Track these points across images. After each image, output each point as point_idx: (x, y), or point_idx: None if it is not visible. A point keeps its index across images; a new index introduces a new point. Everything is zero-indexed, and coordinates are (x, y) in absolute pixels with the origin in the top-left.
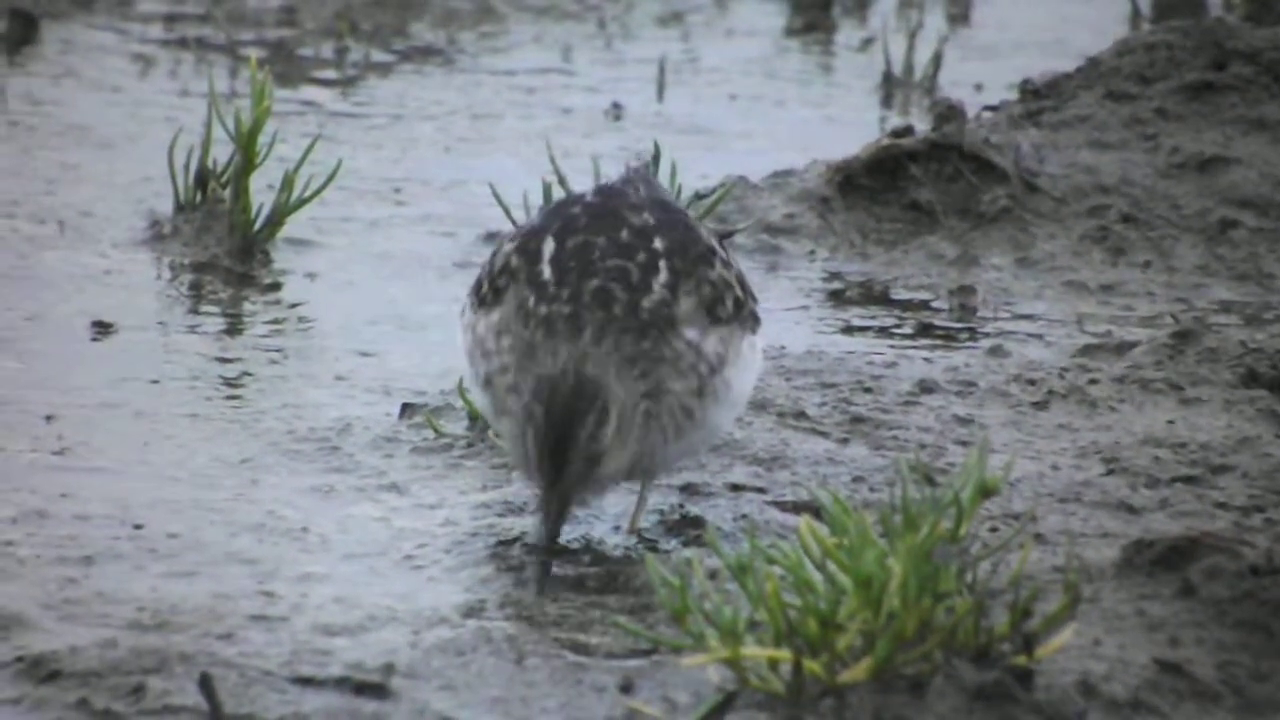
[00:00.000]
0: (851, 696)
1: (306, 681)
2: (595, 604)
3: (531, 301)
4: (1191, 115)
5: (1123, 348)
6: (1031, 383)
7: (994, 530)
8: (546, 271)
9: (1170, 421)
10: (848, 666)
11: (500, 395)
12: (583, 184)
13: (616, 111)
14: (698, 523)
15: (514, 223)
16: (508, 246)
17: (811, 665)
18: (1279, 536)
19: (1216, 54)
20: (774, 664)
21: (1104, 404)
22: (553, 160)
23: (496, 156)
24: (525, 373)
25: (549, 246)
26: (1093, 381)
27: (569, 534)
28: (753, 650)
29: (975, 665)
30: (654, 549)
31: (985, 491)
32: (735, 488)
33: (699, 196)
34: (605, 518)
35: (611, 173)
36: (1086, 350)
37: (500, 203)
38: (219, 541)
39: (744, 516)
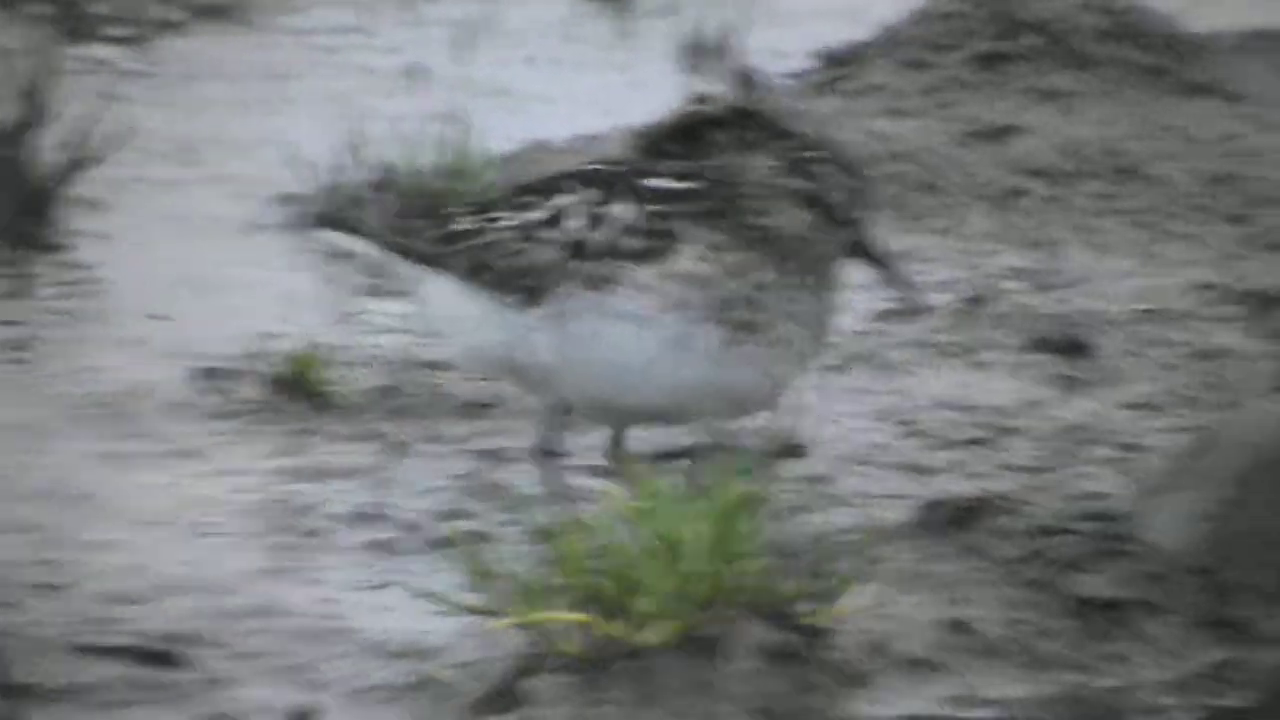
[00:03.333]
0: (651, 659)
1: (92, 650)
2: (398, 569)
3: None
4: (984, 84)
5: (918, 312)
6: (831, 346)
7: (793, 492)
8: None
9: (962, 385)
10: (648, 629)
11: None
12: (382, 146)
13: (416, 73)
14: (501, 488)
15: (313, 184)
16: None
17: (611, 628)
18: (1064, 497)
19: (1008, 25)
20: (575, 628)
21: (900, 368)
22: (352, 121)
23: (294, 117)
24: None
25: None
26: (891, 345)
27: (367, 503)
28: (553, 614)
29: (771, 626)
30: (459, 514)
31: (789, 454)
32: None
33: (500, 159)
34: (401, 485)
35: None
36: (884, 315)
37: (297, 164)
38: (1, 508)
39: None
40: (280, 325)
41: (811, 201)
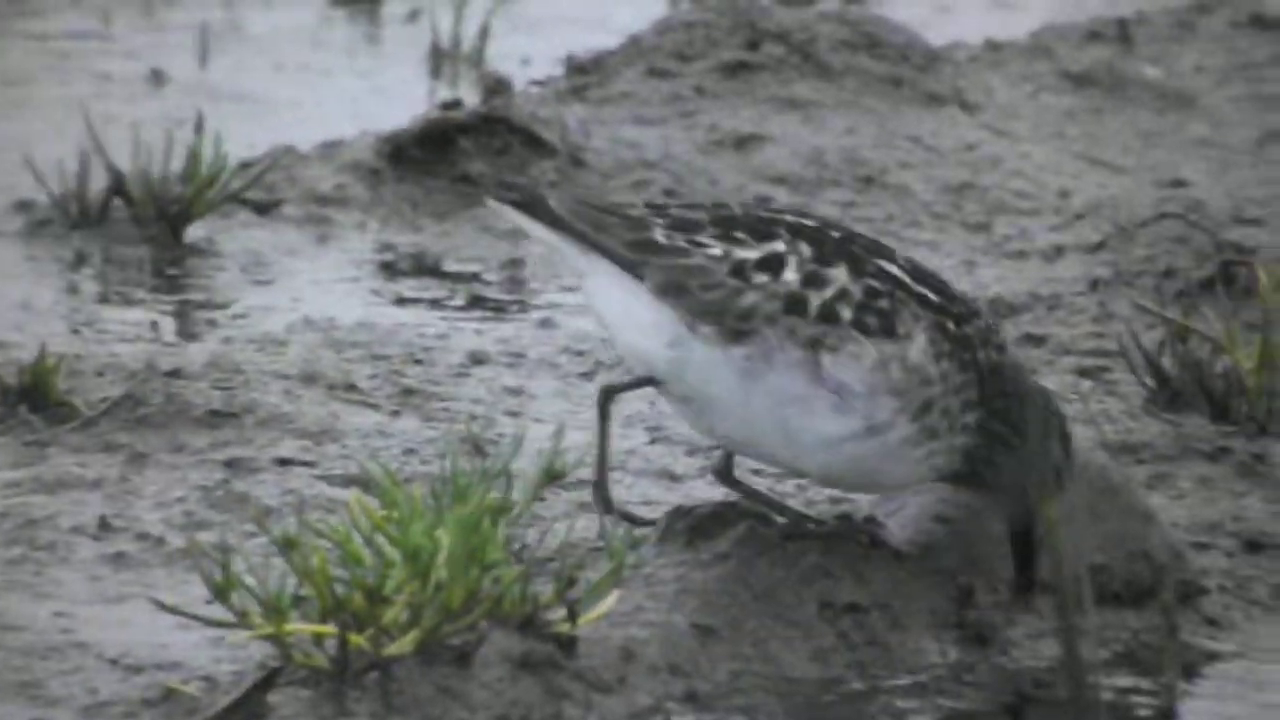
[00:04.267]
0: (398, 669)
1: None
2: (137, 581)
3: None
4: (728, 93)
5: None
6: (580, 354)
7: (542, 500)
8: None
9: None
10: (395, 640)
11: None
12: (123, 153)
13: (158, 78)
14: (245, 499)
15: (51, 191)
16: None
17: (357, 639)
18: (810, 501)
19: (751, 34)
20: (319, 639)
21: None
22: (90, 127)
23: (30, 123)
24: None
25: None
26: None
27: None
28: (297, 625)
29: (520, 634)
30: (201, 525)
31: (554, 475)
32: (283, 462)
33: (245, 166)
34: (141, 496)
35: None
36: None
37: (35, 171)
38: None
39: (292, 491)
40: (16, 334)
41: (1063, 439)
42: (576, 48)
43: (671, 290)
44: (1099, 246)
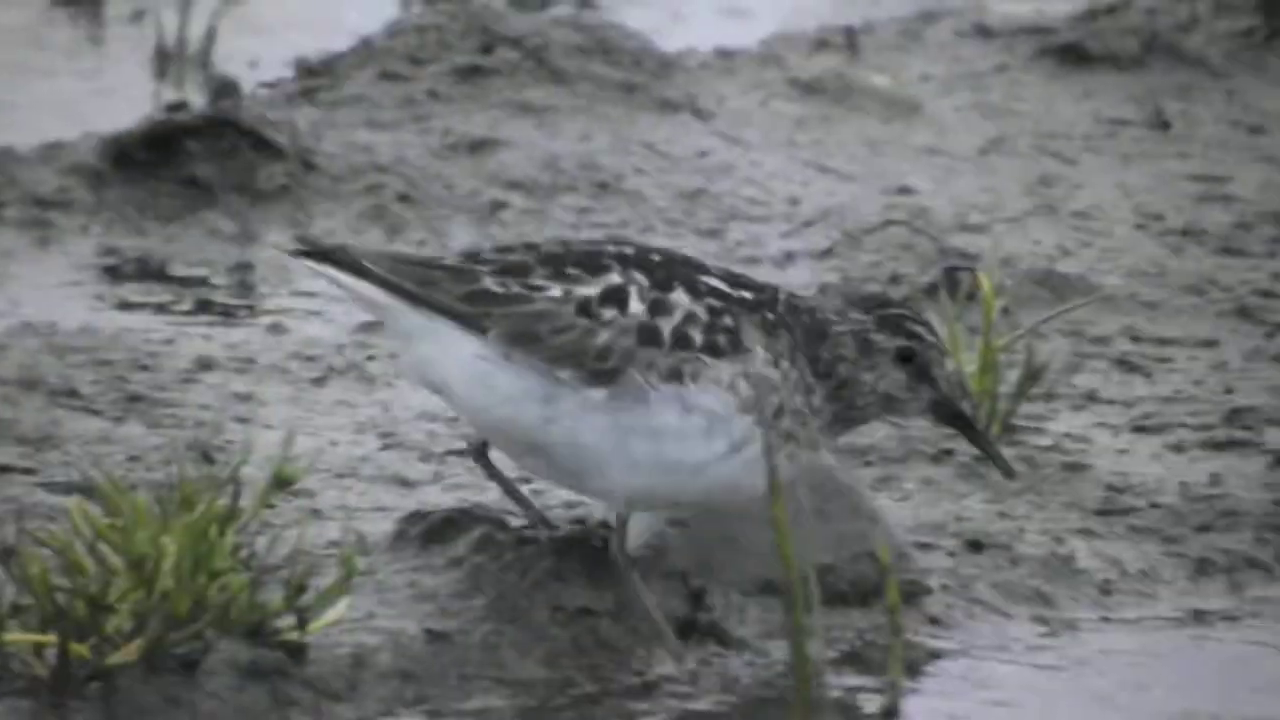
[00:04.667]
0: (121, 679)
1: None
2: None
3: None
4: (462, 97)
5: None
6: (311, 359)
7: (271, 507)
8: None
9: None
10: (119, 648)
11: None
12: None
13: None
14: None
15: None
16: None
17: (79, 648)
18: (546, 506)
19: (484, 38)
20: (40, 649)
21: (381, 380)
22: None
23: None
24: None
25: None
26: (370, 358)
27: None
28: (15, 635)
29: (248, 642)
30: None
31: (283, 482)
32: (2, 469)
33: None
34: None
35: None
36: (365, 327)
37: None
38: None
39: (11, 499)
40: None
41: (904, 359)
42: (306, 50)
43: (521, 340)
44: (827, 253)
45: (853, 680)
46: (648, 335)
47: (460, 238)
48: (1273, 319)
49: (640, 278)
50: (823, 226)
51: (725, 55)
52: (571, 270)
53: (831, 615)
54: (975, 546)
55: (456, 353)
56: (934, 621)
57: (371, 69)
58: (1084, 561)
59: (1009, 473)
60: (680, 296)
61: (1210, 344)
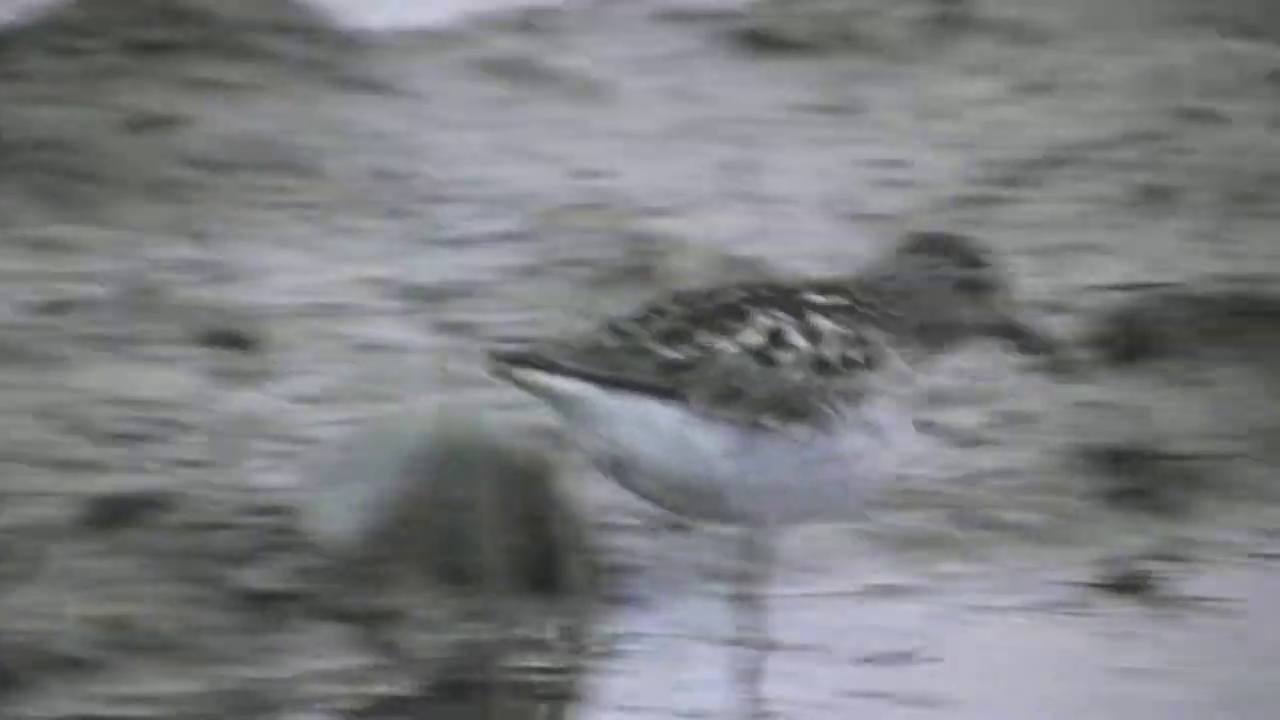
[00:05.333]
0: None
1: None
2: None
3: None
4: (142, 73)
5: (76, 305)
6: None
7: None
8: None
9: (125, 378)
10: None
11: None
12: None
13: None
14: None
15: None
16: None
17: None
18: (230, 491)
19: (165, 12)
20: None
21: (58, 362)
22: None
23: None
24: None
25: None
26: (47, 339)
27: None
28: None
29: None
30: None
31: None
32: None
33: None
34: None
35: None
36: (43, 308)
37: None
38: None
39: None
40: None
41: (972, 288)
42: None
43: (723, 399)
44: (518, 235)
45: (546, 663)
46: (822, 367)
47: (141, 216)
48: None
49: (779, 314)
50: (512, 209)
51: (415, 34)
52: (726, 322)
53: (525, 598)
54: (672, 525)
55: (657, 423)
56: (628, 602)
57: (46, 43)
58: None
59: (1067, 368)
60: (822, 322)
61: None
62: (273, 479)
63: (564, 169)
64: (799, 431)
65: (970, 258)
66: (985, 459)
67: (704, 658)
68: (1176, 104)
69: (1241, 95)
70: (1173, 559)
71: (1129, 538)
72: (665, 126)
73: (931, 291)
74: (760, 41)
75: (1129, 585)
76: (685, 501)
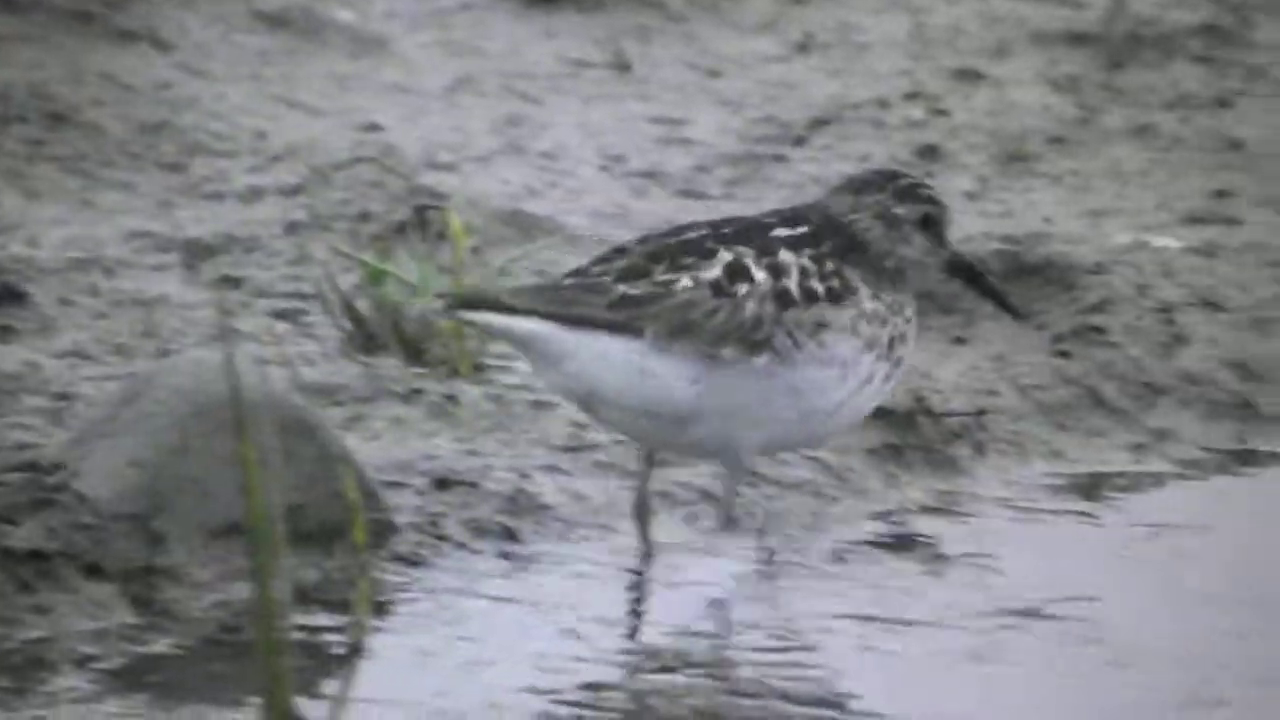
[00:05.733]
0: None
1: None
2: None
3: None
4: None
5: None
6: None
7: None
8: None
9: None
10: None
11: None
12: None
13: None
14: None
15: None
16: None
17: None
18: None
19: None
20: None
21: None
22: None
23: None
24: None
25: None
26: None
27: None
28: None
29: None
30: None
31: None
32: None
33: None
34: None
35: None
36: None
37: None
38: None
39: None
40: None
41: (926, 225)
42: None
43: (680, 332)
44: (296, 190)
45: (320, 620)
46: (782, 298)
47: None
48: None
49: (742, 249)
50: (291, 163)
51: None
52: (685, 259)
53: (298, 555)
54: (443, 484)
55: (615, 357)
56: (402, 559)
57: None
58: (549, 497)
59: (1021, 315)
60: (787, 255)
61: None
62: (36, 435)
63: (343, 123)
64: (758, 362)
65: (925, 196)
66: None
67: (480, 613)
68: (947, 64)
69: (1009, 56)
70: (941, 513)
71: (902, 493)
72: (444, 81)
73: (889, 230)
74: None
75: (901, 541)
76: (653, 432)
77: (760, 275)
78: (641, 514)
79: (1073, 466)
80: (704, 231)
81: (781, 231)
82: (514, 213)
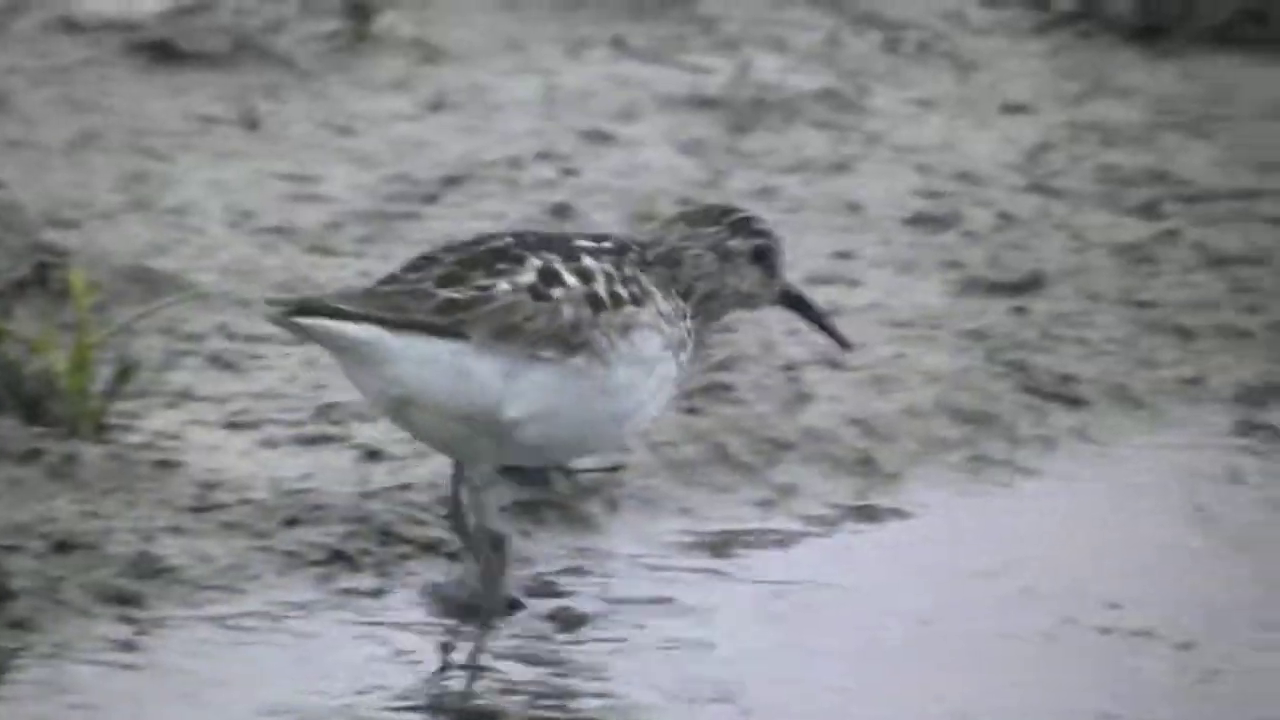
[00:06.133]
0: None
1: None
2: None
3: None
4: None
5: (846, 349)
6: None
7: None
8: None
9: None
10: None
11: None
12: None
13: None
14: None
15: None
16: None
17: None
18: None
19: None
20: None
21: None
22: None
23: None
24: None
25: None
26: None
27: None
28: None
29: None
30: None
31: None
32: None
33: None
34: None
35: None
36: None
37: None
38: None
39: None
40: None
41: (759, 257)
42: None
43: (503, 335)
44: None
45: None
46: (593, 301)
47: None
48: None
49: (549, 255)
50: None
51: None
52: (500, 265)
53: None
54: (62, 547)
55: (439, 359)
56: (19, 625)
57: None
58: (174, 559)
59: (847, 345)
60: (590, 262)
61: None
62: None
63: None
64: (576, 362)
65: (753, 229)
66: (394, 474)
67: (98, 679)
68: (578, 125)
69: (638, 118)
70: (578, 571)
71: (537, 548)
72: (68, 136)
73: (709, 258)
74: (165, 52)
75: (538, 595)
76: (466, 436)
77: (571, 280)
78: (457, 518)
79: (703, 523)
80: (509, 240)
81: (586, 243)
82: (139, 269)
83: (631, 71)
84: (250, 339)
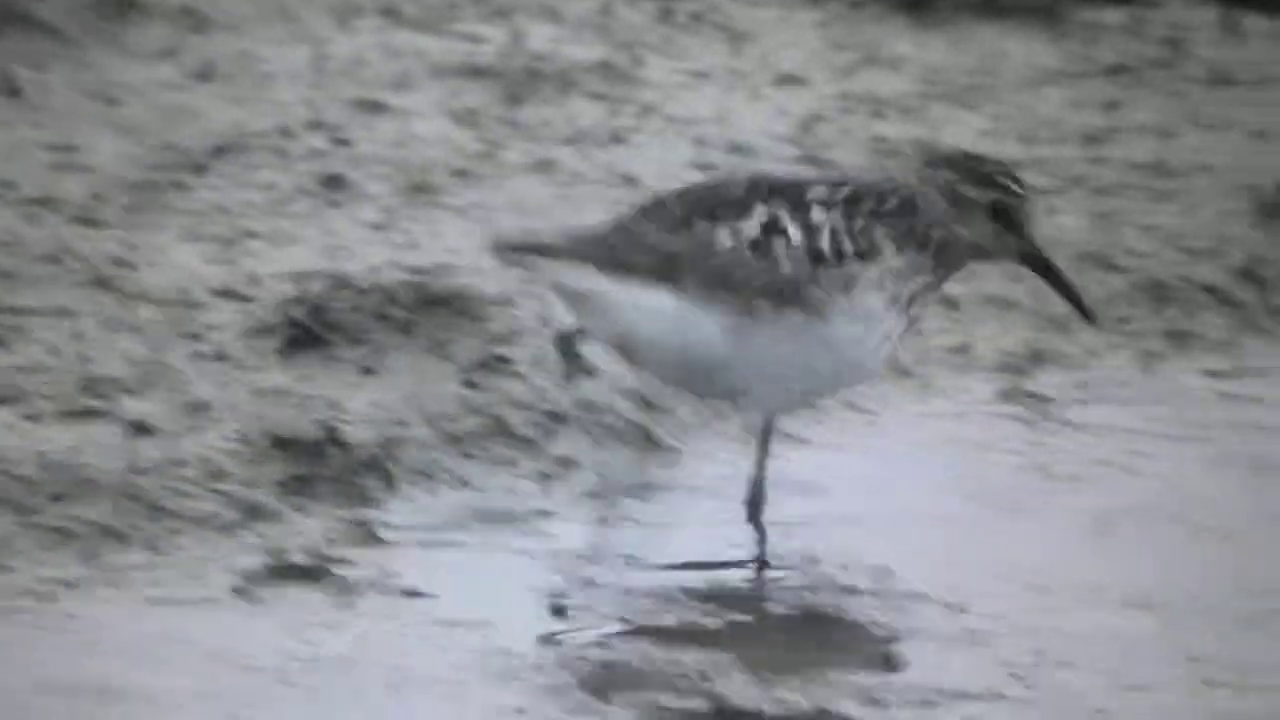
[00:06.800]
0: None
1: None
2: None
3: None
4: None
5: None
6: None
7: None
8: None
9: None
10: None
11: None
12: None
13: None
14: None
15: None
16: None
17: None
18: None
19: None
20: None
21: None
22: None
23: None
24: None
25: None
26: None
27: None
28: None
29: None
30: None
31: None
32: None
33: None
34: None
35: None
36: None
37: None
38: None
39: None
40: None
41: (997, 213)
42: None
43: (719, 288)
44: None
45: None
46: (815, 256)
47: None
48: (129, 288)
49: (778, 205)
50: None
51: None
52: (725, 214)
53: None
54: None
55: (654, 308)
56: None
57: None
58: None
59: (1091, 318)
60: (819, 214)
61: (67, 313)
62: None
63: None
64: (794, 318)
65: (994, 182)
66: (163, 448)
67: None
68: (349, 94)
69: (411, 88)
70: (356, 544)
71: (313, 524)
72: None
73: (942, 205)
74: None
75: (312, 573)
76: (688, 379)
77: (795, 234)
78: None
79: (483, 498)
80: (744, 185)
81: (820, 191)
82: None
83: (404, 41)
84: (13, 311)
